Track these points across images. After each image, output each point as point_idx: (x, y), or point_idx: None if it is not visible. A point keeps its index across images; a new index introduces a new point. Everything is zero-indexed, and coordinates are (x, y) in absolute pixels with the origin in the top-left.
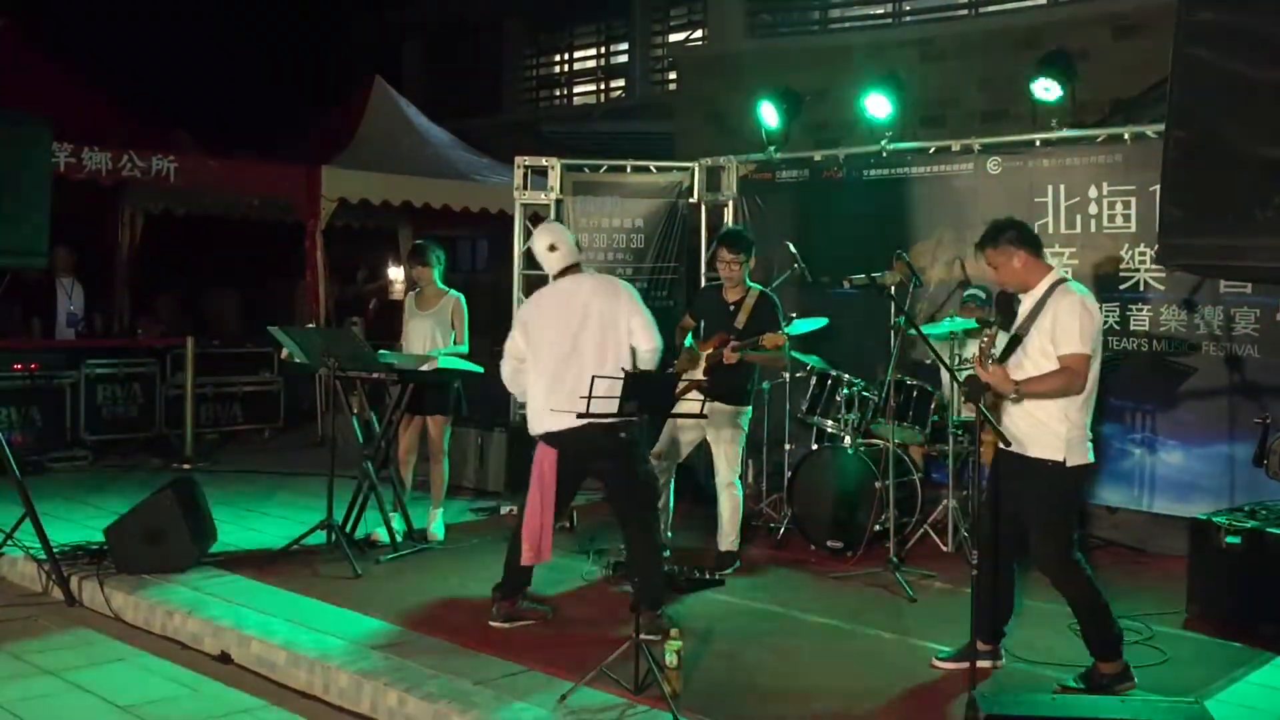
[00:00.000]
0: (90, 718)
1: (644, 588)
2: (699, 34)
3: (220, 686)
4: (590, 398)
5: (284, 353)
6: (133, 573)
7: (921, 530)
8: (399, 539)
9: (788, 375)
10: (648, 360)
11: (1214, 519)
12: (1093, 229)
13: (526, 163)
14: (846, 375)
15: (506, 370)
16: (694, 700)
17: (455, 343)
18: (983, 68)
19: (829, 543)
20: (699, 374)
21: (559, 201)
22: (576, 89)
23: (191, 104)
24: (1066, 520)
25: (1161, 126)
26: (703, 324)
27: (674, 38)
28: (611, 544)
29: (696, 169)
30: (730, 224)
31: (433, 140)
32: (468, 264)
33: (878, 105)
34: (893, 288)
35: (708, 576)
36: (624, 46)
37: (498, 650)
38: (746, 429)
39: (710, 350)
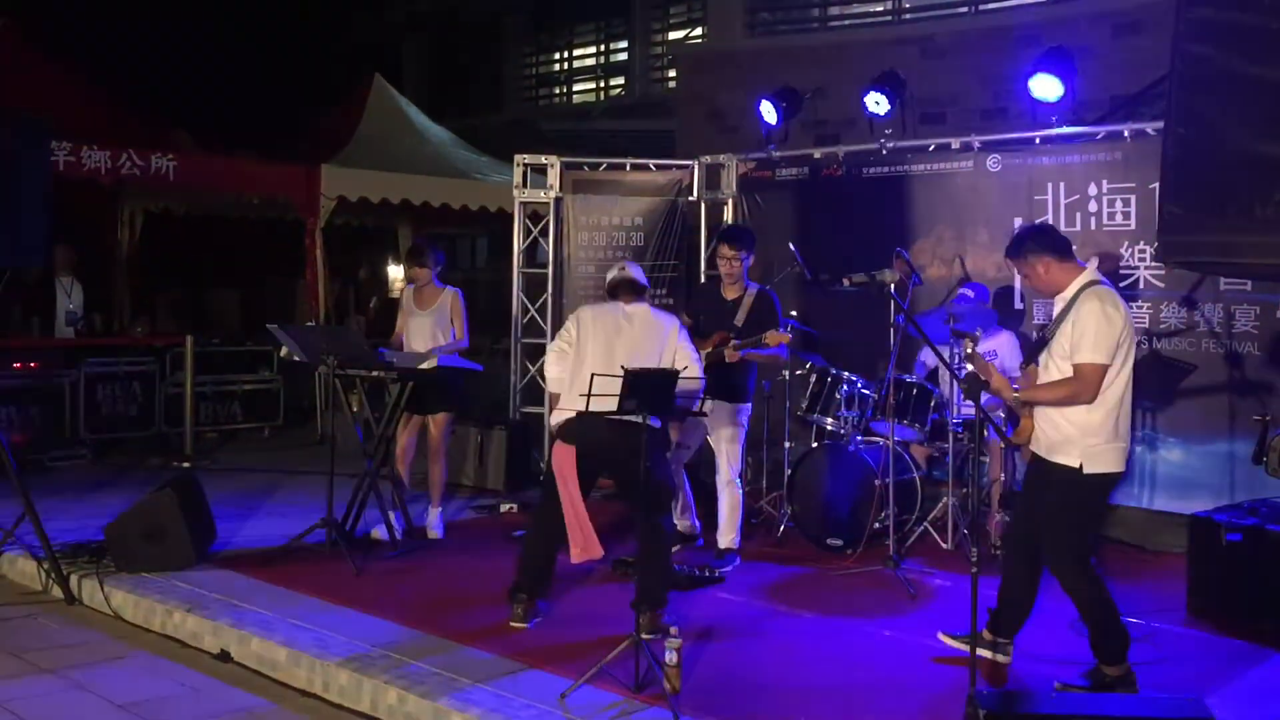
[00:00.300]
0: (90, 716)
1: (646, 586)
2: (698, 32)
3: (220, 685)
4: (589, 396)
5: (283, 351)
6: (132, 571)
7: (921, 528)
8: (399, 537)
9: (787, 374)
10: (689, 386)
11: (1214, 516)
12: (1092, 226)
13: (526, 161)
14: (846, 373)
15: (553, 356)
16: (694, 698)
17: (455, 338)
18: (982, 65)
19: (829, 540)
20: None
21: (559, 199)
22: (576, 87)
23: (191, 103)
24: (1081, 526)
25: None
26: (701, 322)
27: (673, 35)
28: (614, 543)
29: (696, 167)
30: (730, 221)
31: (432, 138)
32: (467, 262)
33: (877, 103)
34: (892, 285)
35: (708, 574)
36: (623, 44)
37: (498, 648)
38: (747, 426)
39: (710, 349)
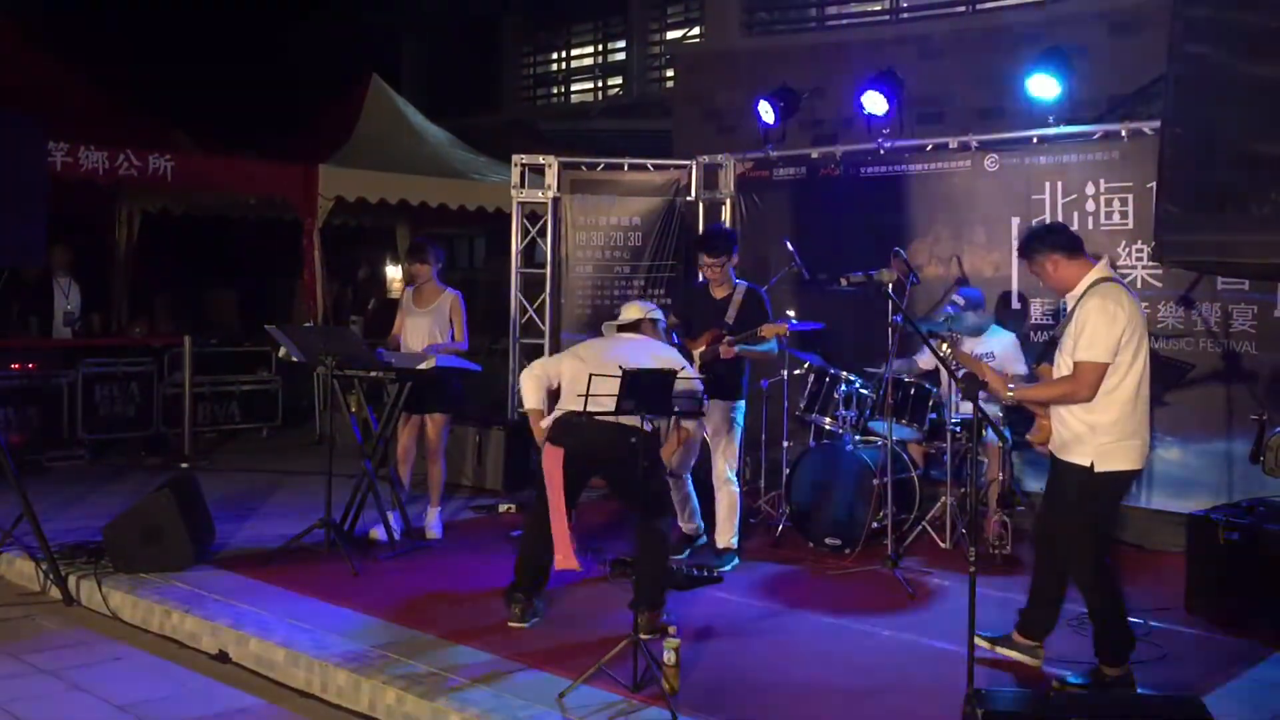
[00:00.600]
0: (88, 717)
1: (644, 586)
2: (696, 31)
3: (218, 685)
4: (588, 396)
5: (281, 351)
6: (130, 572)
7: (920, 527)
8: (397, 537)
9: (785, 373)
10: (687, 386)
11: (1212, 515)
12: (1090, 226)
13: (524, 161)
14: (844, 373)
15: (530, 379)
16: (692, 698)
17: (455, 340)
18: (980, 64)
19: (827, 540)
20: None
21: (556, 199)
22: (574, 87)
23: (189, 103)
24: (1094, 525)
25: (1158, 123)
26: (692, 322)
27: (671, 35)
28: (611, 542)
29: (694, 167)
30: (724, 221)
31: (430, 138)
32: (465, 262)
33: (875, 102)
34: (890, 285)
35: (706, 574)
36: (621, 44)
37: (496, 648)
38: (742, 423)
39: (704, 348)
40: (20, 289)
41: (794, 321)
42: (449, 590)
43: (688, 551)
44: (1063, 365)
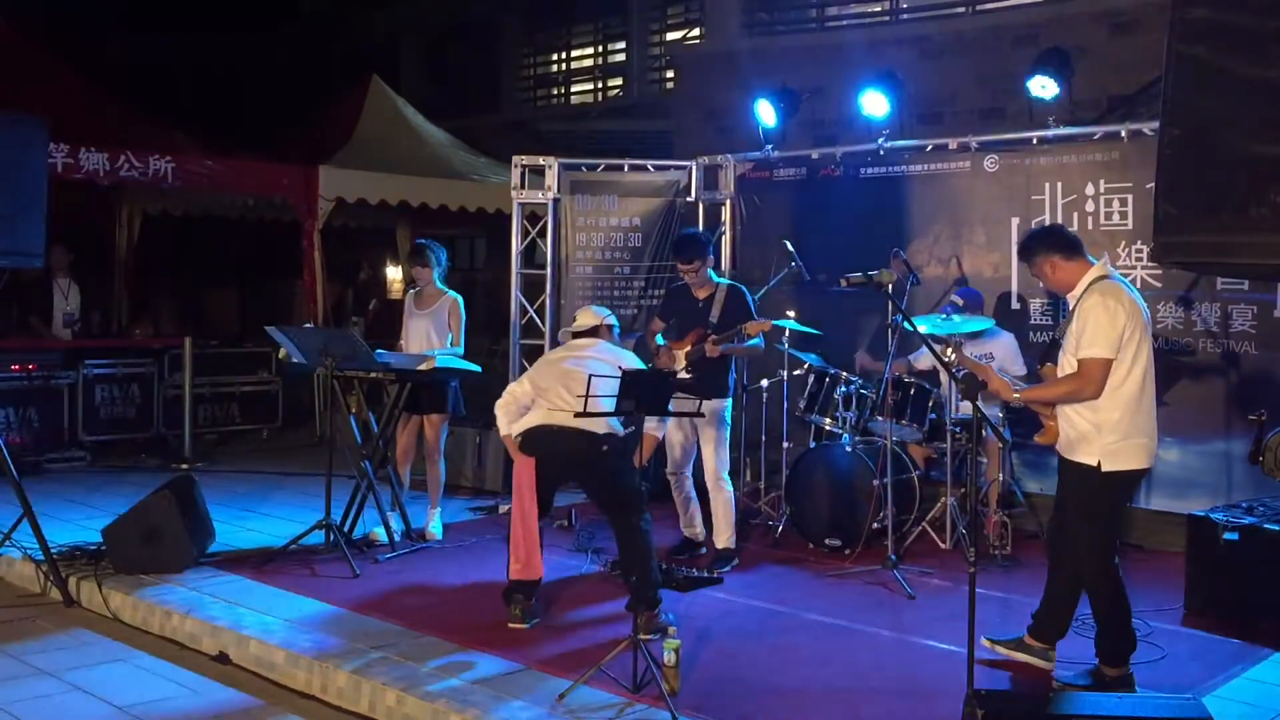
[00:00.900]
0: (88, 718)
1: (638, 588)
2: (696, 32)
3: (218, 686)
4: (588, 396)
5: (282, 352)
6: (130, 573)
7: (920, 528)
8: (397, 538)
9: (785, 374)
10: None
11: (1212, 515)
12: (1089, 226)
13: (524, 162)
14: (844, 373)
15: (501, 410)
16: (692, 698)
17: (451, 344)
18: (980, 65)
19: (827, 540)
20: (680, 372)
21: (556, 200)
22: (574, 88)
23: (189, 104)
24: (1102, 524)
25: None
26: (676, 324)
27: (671, 36)
28: (611, 542)
29: (694, 167)
30: (724, 222)
31: (430, 139)
32: (465, 263)
33: (875, 103)
34: (889, 286)
35: (706, 575)
36: (621, 45)
37: (496, 649)
38: (730, 421)
39: (689, 348)
40: (19, 290)
41: (793, 322)
42: (449, 591)
43: (689, 555)
44: (1066, 365)
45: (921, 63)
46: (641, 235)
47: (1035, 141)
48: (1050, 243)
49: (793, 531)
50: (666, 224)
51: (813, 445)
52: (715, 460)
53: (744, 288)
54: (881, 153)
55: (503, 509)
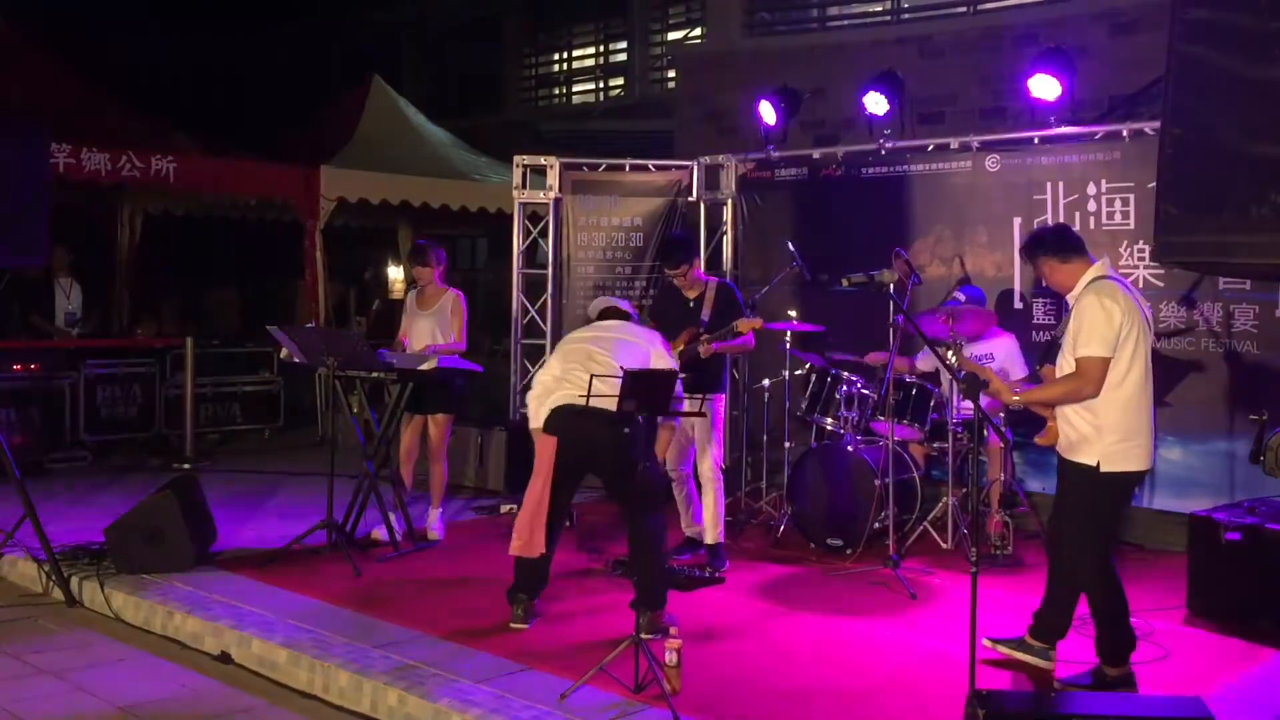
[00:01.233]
0: (91, 718)
1: (644, 586)
2: (697, 32)
3: (221, 686)
4: (589, 396)
5: (283, 352)
6: (133, 573)
7: (921, 528)
8: (399, 538)
9: (787, 373)
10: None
11: (1213, 515)
12: (1091, 226)
13: (525, 162)
14: (846, 373)
15: (533, 400)
16: (694, 698)
17: (453, 340)
18: (981, 65)
19: (828, 540)
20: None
21: (558, 200)
22: (575, 88)
23: (191, 104)
24: (1099, 525)
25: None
26: (667, 324)
27: (672, 36)
28: (611, 542)
29: (695, 167)
30: (725, 223)
31: (431, 139)
32: (467, 263)
33: (876, 103)
34: (891, 286)
35: (708, 575)
36: (622, 45)
37: (498, 649)
38: (724, 417)
39: (682, 346)
40: (20, 290)
41: (794, 324)
42: (450, 591)
43: (691, 555)
44: (1065, 365)
45: (923, 62)
46: (643, 235)
47: (1037, 141)
48: (1045, 247)
49: (794, 531)
50: (668, 224)
51: (814, 445)
52: (710, 457)
53: (732, 284)
54: (883, 152)
55: (504, 509)
